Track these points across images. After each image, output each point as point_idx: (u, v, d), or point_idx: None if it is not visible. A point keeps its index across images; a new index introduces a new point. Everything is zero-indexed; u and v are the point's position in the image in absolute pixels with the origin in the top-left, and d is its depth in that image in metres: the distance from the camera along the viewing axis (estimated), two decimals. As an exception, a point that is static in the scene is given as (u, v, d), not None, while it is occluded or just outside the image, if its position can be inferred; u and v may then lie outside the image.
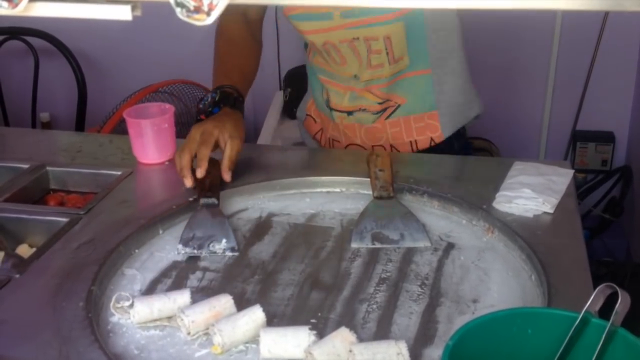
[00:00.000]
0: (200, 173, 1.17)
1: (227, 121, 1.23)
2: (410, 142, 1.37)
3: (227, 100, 1.29)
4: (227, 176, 1.20)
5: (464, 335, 0.61)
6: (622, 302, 0.61)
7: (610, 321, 0.61)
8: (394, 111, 1.36)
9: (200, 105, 1.30)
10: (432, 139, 1.37)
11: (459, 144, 1.41)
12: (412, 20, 1.27)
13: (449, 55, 1.35)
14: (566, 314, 0.64)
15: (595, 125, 2.56)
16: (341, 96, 1.38)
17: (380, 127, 1.37)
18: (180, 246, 1.07)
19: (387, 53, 1.30)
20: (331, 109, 1.41)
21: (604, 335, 0.60)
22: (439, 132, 1.37)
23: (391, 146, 1.38)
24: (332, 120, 1.41)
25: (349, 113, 1.38)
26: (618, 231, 2.52)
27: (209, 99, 1.29)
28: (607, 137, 2.55)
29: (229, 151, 1.19)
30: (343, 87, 1.37)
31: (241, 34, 1.42)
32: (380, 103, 1.36)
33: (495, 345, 0.64)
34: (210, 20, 0.53)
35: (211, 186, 1.17)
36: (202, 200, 1.14)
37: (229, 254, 1.07)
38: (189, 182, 1.18)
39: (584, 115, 2.50)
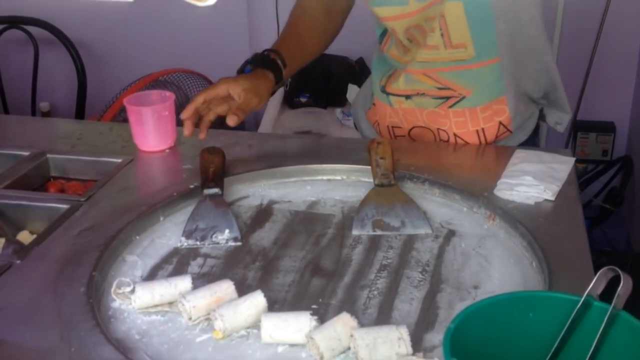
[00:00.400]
0: (187, 129, 1.22)
1: (250, 79, 1.24)
2: (477, 130, 1.31)
3: (262, 62, 1.28)
4: (231, 120, 1.19)
5: (465, 318, 0.61)
6: (624, 286, 0.61)
7: (612, 304, 0.61)
8: (457, 102, 1.30)
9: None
10: (500, 123, 1.30)
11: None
12: (473, 3, 1.19)
13: (518, 33, 1.25)
14: (568, 297, 0.64)
15: (596, 115, 2.56)
16: (396, 78, 1.33)
17: (442, 113, 1.31)
18: (183, 238, 1.07)
19: (442, 34, 1.23)
20: (387, 94, 1.35)
21: (605, 318, 0.60)
22: (507, 113, 1.30)
23: (455, 135, 1.32)
24: (390, 105, 1.36)
25: (407, 97, 1.32)
26: (618, 221, 2.53)
27: (248, 60, 1.32)
28: (607, 127, 2.55)
29: (240, 102, 1.20)
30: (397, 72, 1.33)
31: (318, 7, 1.39)
32: (439, 88, 1.29)
33: (496, 328, 0.64)
34: (211, 1, 0.53)
35: (214, 176, 1.17)
36: (205, 191, 1.13)
37: (232, 244, 1.07)
38: (186, 131, 1.21)
39: (584, 106, 2.50)
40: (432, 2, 1.20)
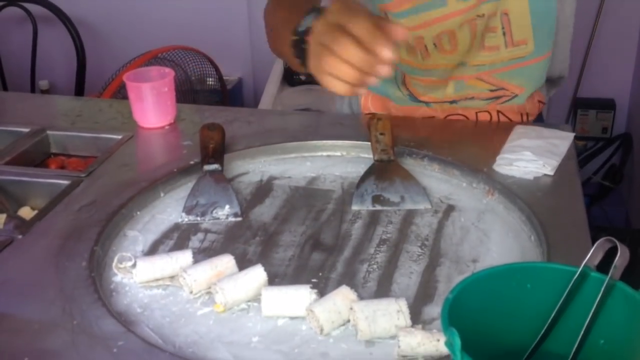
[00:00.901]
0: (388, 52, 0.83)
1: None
2: (521, 113, 1.29)
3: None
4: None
5: (463, 289, 0.62)
6: (622, 256, 0.62)
7: (610, 274, 0.61)
8: (508, 100, 1.26)
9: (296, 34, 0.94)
10: (539, 101, 1.29)
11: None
12: None
13: (562, 23, 1.21)
14: (565, 268, 0.65)
15: (596, 92, 2.55)
16: (438, 89, 1.26)
17: (490, 109, 1.27)
18: (183, 214, 1.07)
19: (504, 33, 1.17)
20: (422, 102, 1.29)
21: (602, 288, 0.60)
22: (542, 94, 1.30)
23: (498, 112, 1.29)
24: (423, 106, 1.29)
25: (452, 102, 1.28)
26: (617, 198, 2.54)
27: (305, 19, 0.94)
28: (608, 104, 2.55)
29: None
30: (437, 81, 1.25)
31: None
32: (492, 90, 1.25)
33: (494, 299, 0.64)
34: None
35: (214, 152, 1.17)
36: (205, 167, 1.14)
37: (232, 219, 1.07)
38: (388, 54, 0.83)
39: (585, 83, 2.50)
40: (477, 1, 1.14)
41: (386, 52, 0.82)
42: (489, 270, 0.64)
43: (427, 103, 1.30)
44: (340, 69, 0.84)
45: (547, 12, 1.18)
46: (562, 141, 1.19)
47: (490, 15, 1.17)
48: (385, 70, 0.84)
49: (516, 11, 1.17)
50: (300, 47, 0.94)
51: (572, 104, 2.54)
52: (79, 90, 2.59)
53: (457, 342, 0.53)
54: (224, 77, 2.52)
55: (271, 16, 1.14)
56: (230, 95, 2.60)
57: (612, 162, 2.55)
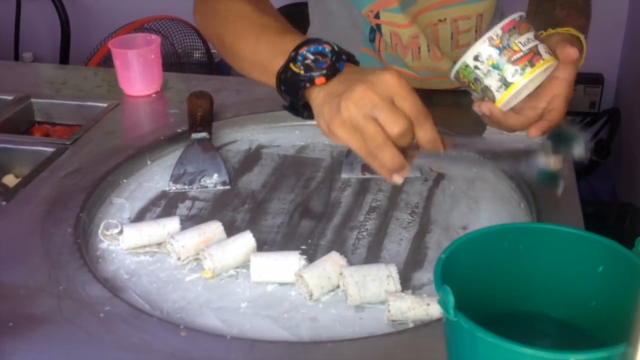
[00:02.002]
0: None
1: (379, 74, 0.75)
2: None
3: (347, 53, 0.81)
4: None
5: (456, 249, 0.61)
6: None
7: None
8: None
9: (299, 66, 0.79)
10: None
11: None
12: None
13: None
14: (558, 228, 0.64)
15: (585, 67, 2.54)
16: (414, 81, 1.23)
17: None
18: (171, 183, 1.06)
19: (476, 31, 1.21)
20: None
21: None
22: None
23: None
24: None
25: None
26: (604, 173, 2.54)
27: (327, 54, 0.79)
28: (596, 79, 2.54)
29: (423, 128, 0.78)
30: (417, 78, 1.23)
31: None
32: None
33: (486, 260, 0.64)
34: None
35: (202, 120, 1.15)
36: (193, 135, 1.12)
37: (220, 187, 1.06)
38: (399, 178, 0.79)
39: (573, 57, 2.49)
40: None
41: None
42: (482, 230, 0.63)
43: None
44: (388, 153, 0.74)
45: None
46: (552, 110, 1.18)
47: (460, 19, 1.19)
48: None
49: (488, 13, 1.21)
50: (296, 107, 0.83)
51: (560, 79, 2.54)
52: (64, 62, 2.55)
53: (451, 299, 0.52)
54: (212, 50, 2.49)
55: (223, 29, 0.95)
56: (218, 69, 2.57)
57: (599, 137, 2.55)
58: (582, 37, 0.94)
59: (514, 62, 0.83)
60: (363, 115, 0.72)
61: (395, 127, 0.73)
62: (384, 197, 1.03)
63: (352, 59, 0.81)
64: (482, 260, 0.64)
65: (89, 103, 1.28)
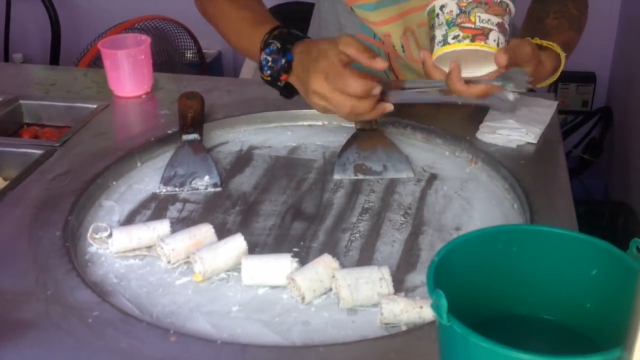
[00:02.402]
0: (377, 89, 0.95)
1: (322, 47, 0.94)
2: None
3: (290, 37, 0.99)
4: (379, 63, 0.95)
5: (449, 252, 0.60)
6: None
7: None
8: None
9: (267, 71, 1.00)
10: None
11: None
12: None
13: None
14: (552, 230, 0.63)
15: (577, 65, 2.54)
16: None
17: None
18: (161, 185, 1.05)
19: None
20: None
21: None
22: None
23: None
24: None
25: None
26: (596, 172, 2.54)
27: (274, 51, 0.98)
28: (588, 78, 2.54)
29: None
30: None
31: None
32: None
33: (480, 262, 0.63)
34: None
35: (193, 121, 1.14)
36: (184, 136, 1.11)
37: (211, 189, 1.05)
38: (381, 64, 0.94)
39: (566, 56, 2.48)
40: None
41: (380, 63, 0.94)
42: (475, 232, 0.63)
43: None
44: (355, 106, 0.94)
45: None
46: (545, 109, 1.18)
47: None
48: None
49: None
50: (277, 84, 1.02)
51: (553, 78, 2.53)
52: (54, 63, 2.53)
53: (444, 303, 0.52)
54: (203, 50, 2.47)
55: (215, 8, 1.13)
56: (209, 69, 2.55)
57: (592, 136, 2.55)
58: (562, 55, 1.02)
59: (462, 29, 0.89)
60: (329, 91, 0.93)
61: (355, 90, 0.93)
62: (376, 198, 1.02)
63: (298, 38, 0.99)
64: (475, 263, 0.63)
65: (78, 104, 1.26)
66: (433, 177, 1.07)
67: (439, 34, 0.93)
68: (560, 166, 1.05)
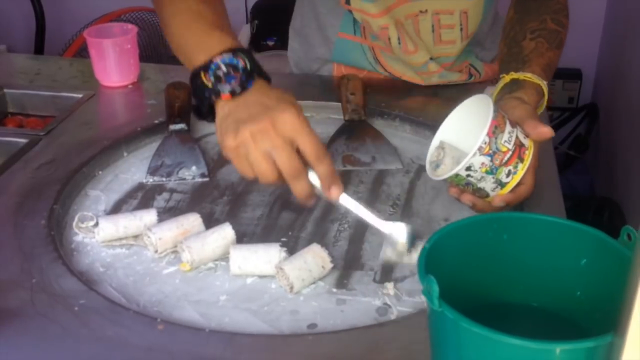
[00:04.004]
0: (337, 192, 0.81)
1: (282, 110, 0.77)
2: None
3: (258, 68, 0.82)
4: (335, 194, 0.81)
5: (440, 239, 0.60)
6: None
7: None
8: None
9: (211, 77, 0.79)
10: None
11: None
12: None
13: None
14: (542, 218, 0.63)
15: (563, 62, 2.55)
16: (416, 68, 1.24)
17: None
18: (148, 175, 1.04)
19: (462, 29, 1.20)
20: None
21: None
22: None
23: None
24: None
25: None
26: (582, 168, 2.55)
27: (232, 69, 0.79)
28: (574, 74, 2.55)
29: (318, 167, 0.79)
30: (414, 63, 1.23)
31: None
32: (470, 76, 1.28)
33: (470, 250, 0.63)
34: None
35: (180, 111, 1.13)
36: (171, 126, 1.10)
37: (199, 179, 1.04)
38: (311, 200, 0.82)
39: (552, 52, 2.49)
40: None
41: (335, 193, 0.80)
42: (466, 220, 0.62)
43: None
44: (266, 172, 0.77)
45: (491, 4, 1.23)
46: (533, 102, 1.18)
47: (442, 12, 1.18)
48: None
49: (475, 10, 1.20)
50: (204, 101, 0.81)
51: (539, 74, 2.54)
52: (38, 54, 2.51)
53: (435, 289, 0.51)
54: (189, 43, 2.46)
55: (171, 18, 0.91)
56: (196, 61, 2.54)
57: (577, 132, 2.57)
58: (543, 85, 0.97)
59: (506, 164, 0.83)
60: (261, 153, 0.76)
61: (290, 170, 0.77)
62: (365, 189, 1.02)
63: (264, 76, 0.82)
64: (466, 251, 0.63)
65: (63, 94, 1.25)
66: (422, 169, 1.07)
67: (487, 185, 0.84)
68: (549, 158, 1.05)
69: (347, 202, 0.81)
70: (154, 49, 2.20)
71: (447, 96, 1.27)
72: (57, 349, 0.71)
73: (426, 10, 1.19)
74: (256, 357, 0.70)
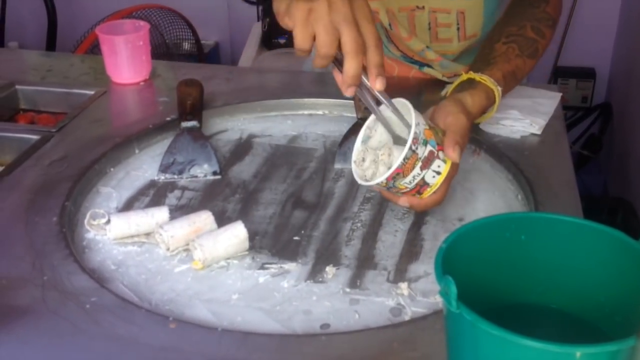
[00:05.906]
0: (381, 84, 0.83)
1: None
2: None
3: None
4: (379, 84, 0.83)
5: (456, 239, 0.59)
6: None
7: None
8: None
9: None
10: None
11: None
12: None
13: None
14: (560, 218, 0.62)
15: (577, 61, 2.54)
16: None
17: None
18: (159, 172, 1.03)
19: (458, 29, 1.19)
20: (417, 63, 1.26)
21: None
22: None
23: None
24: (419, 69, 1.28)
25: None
26: (595, 168, 2.53)
27: None
28: (588, 73, 2.53)
29: (373, 54, 0.80)
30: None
31: None
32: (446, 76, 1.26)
33: (488, 250, 0.62)
34: None
35: (192, 109, 1.12)
36: (183, 124, 1.09)
37: (210, 177, 1.03)
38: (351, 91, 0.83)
39: (566, 51, 2.48)
40: None
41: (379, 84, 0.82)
42: (483, 220, 0.61)
43: (420, 65, 1.27)
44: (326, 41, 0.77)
45: (493, 6, 1.19)
46: (548, 101, 1.17)
47: (439, 11, 1.17)
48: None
49: (472, 11, 1.18)
50: None
51: (552, 73, 2.52)
52: (50, 51, 2.51)
53: (453, 290, 0.50)
54: (202, 41, 2.45)
55: None
56: (207, 59, 2.54)
57: (591, 132, 2.55)
58: (496, 90, 0.97)
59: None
60: (333, 22, 0.76)
61: (355, 45, 0.77)
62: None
63: None
64: (483, 251, 0.61)
65: (75, 90, 1.24)
66: (435, 168, 1.06)
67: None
68: (565, 158, 1.04)
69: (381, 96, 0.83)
70: (166, 47, 2.20)
71: (436, 89, 1.25)
72: (68, 346, 0.70)
73: (423, 7, 1.18)
74: (269, 357, 0.69)
